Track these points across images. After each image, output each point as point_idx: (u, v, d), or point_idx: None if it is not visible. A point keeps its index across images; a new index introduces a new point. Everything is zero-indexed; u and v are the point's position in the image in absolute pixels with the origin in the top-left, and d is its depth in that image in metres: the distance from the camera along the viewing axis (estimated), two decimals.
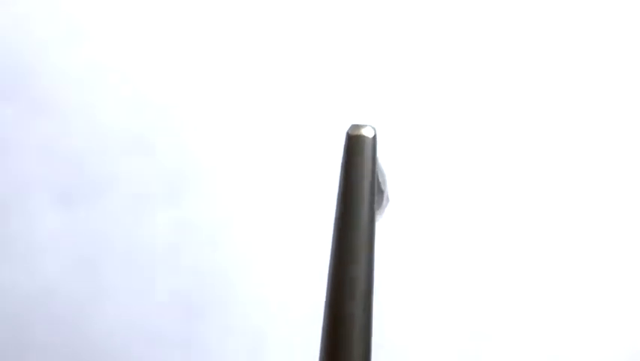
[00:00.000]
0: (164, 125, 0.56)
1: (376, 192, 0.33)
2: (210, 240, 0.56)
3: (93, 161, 0.55)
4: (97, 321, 0.54)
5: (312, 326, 0.54)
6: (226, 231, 0.56)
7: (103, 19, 0.56)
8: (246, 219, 0.56)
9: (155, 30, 0.56)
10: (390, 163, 0.47)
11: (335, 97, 0.57)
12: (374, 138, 0.29)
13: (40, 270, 0.55)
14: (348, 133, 0.29)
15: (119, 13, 0.55)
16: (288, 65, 0.57)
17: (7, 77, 0.55)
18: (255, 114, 0.56)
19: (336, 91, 0.57)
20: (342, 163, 0.30)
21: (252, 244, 0.55)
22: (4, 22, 0.55)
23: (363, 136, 0.29)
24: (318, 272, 0.54)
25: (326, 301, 0.30)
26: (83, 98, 0.56)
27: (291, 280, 0.56)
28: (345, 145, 0.30)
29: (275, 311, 0.56)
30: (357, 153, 0.29)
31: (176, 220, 0.56)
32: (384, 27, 0.57)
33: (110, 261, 0.55)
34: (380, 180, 0.34)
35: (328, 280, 0.30)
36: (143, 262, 0.56)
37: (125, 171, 0.56)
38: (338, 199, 0.29)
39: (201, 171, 0.57)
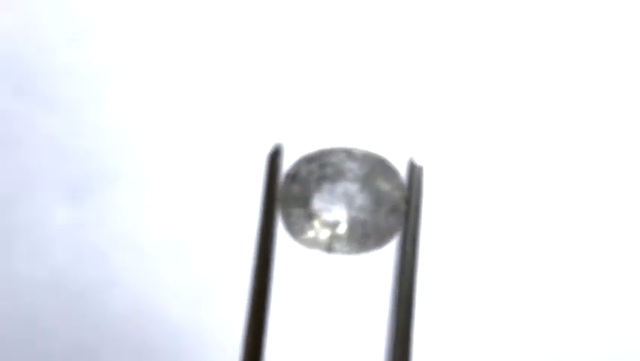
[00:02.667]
0: (169, 122, 0.58)
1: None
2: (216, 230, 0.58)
3: (101, 155, 0.57)
4: (106, 309, 0.56)
5: None
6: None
7: (111, 18, 0.58)
8: None
9: (161, 29, 0.59)
10: None
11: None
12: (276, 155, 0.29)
13: (50, 260, 0.56)
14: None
15: (128, 11, 0.58)
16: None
17: (17, 73, 0.57)
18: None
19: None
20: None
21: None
22: (14, 20, 0.57)
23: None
24: None
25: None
26: (92, 95, 0.58)
27: None
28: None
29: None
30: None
31: (181, 211, 0.58)
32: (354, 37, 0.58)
33: (119, 251, 0.57)
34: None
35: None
36: (151, 252, 0.57)
37: (132, 166, 0.58)
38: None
39: (202, 165, 0.59)
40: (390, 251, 0.33)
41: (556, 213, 0.61)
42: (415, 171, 0.33)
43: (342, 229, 0.31)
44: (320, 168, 0.31)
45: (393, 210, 0.32)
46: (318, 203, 0.31)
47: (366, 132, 0.60)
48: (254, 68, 0.60)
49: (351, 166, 0.32)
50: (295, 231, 0.31)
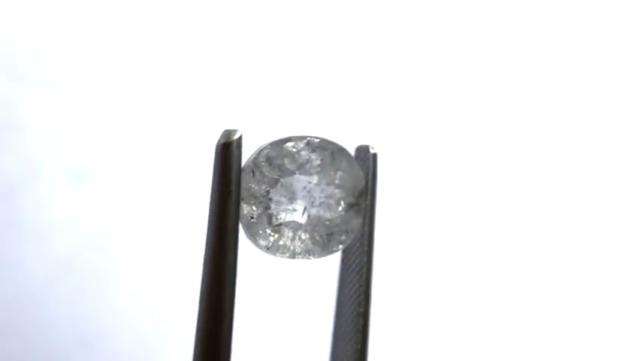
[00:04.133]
0: (173, 109, 0.59)
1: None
2: None
3: (105, 141, 0.57)
4: (110, 297, 0.57)
5: None
6: None
7: (110, 8, 0.59)
8: None
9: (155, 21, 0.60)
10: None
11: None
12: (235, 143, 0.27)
13: (55, 247, 0.56)
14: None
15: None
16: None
17: (19, 58, 0.56)
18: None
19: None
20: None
21: None
22: (16, 5, 0.57)
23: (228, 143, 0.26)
24: None
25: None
26: (94, 80, 0.58)
27: None
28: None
29: None
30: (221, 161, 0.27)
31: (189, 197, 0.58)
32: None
33: (123, 239, 0.57)
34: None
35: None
36: (155, 240, 0.57)
37: (137, 152, 0.58)
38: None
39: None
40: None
41: (518, 199, 0.61)
42: (370, 159, 0.29)
43: (305, 231, 0.28)
44: (277, 159, 0.27)
45: (354, 204, 0.28)
46: (276, 200, 0.27)
47: (313, 120, 0.59)
48: (208, 55, 0.59)
49: (310, 156, 0.28)
50: (257, 236, 0.27)
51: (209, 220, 0.26)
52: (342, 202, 0.28)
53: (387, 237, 0.56)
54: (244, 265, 0.30)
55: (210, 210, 0.26)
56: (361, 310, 0.29)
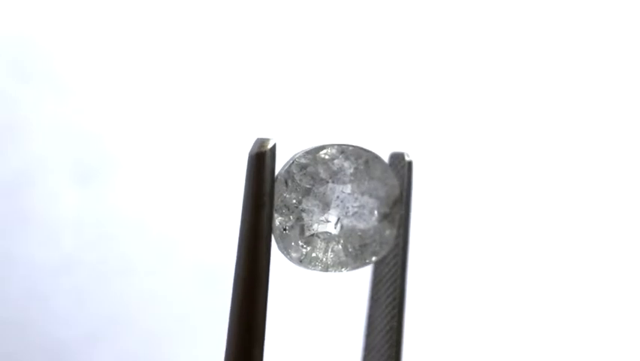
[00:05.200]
0: (177, 105, 0.59)
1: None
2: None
3: (111, 140, 0.57)
4: (115, 294, 0.57)
5: None
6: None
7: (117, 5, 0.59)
8: None
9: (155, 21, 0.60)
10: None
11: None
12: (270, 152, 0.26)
13: (60, 244, 0.57)
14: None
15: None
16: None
17: (24, 57, 0.56)
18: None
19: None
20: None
21: None
22: (20, 5, 0.56)
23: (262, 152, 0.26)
24: None
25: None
26: (100, 79, 0.58)
27: None
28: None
29: None
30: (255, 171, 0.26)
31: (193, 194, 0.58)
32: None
33: (128, 236, 0.57)
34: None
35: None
36: (161, 238, 0.57)
37: (142, 150, 0.58)
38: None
39: (217, 148, 0.60)
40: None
41: (549, 206, 0.60)
42: (405, 167, 0.28)
43: (338, 243, 0.27)
44: (311, 169, 0.26)
45: (389, 213, 0.27)
46: (309, 211, 0.26)
47: (350, 128, 0.58)
48: (240, 64, 0.59)
49: (343, 164, 0.27)
50: (290, 248, 0.26)
51: (241, 230, 0.25)
52: (375, 212, 0.27)
53: (421, 249, 0.56)
54: (274, 277, 0.29)
55: (243, 220, 0.25)
56: (395, 324, 0.28)
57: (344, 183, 0.27)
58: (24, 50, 0.57)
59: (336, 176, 0.27)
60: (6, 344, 0.55)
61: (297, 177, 0.26)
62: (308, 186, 0.26)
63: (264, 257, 0.25)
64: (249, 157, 0.25)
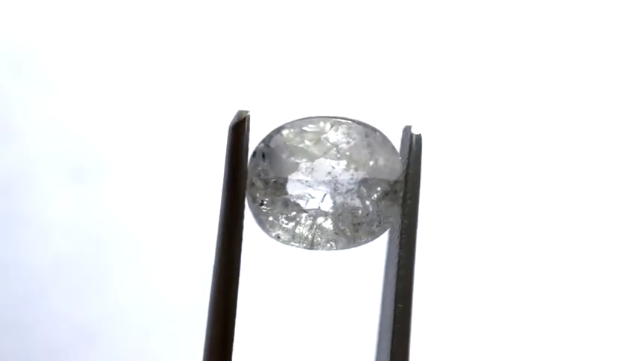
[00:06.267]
0: (173, 105, 0.58)
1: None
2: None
3: (105, 138, 0.58)
4: (110, 294, 0.57)
5: None
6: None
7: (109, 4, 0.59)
8: None
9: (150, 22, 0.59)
10: None
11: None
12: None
13: (52, 246, 0.57)
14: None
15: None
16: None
17: (18, 55, 0.57)
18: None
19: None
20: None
21: None
22: (15, 3, 0.57)
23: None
24: None
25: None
26: (94, 77, 0.58)
27: None
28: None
29: None
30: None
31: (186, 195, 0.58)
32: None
33: (123, 236, 0.58)
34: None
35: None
36: (156, 236, 0.58)
37: (137, 149, 0.58)
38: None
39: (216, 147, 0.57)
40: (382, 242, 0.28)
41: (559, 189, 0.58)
42: (413, 142, 0.27)
43: (326, 219, 0.25)
44: (296, 141, 0.25)
45: (389, 191, 0.26)
46: (294, 186, 0.25)
47: (350, 100, 0.57)
48: (220, 32, 0.58)
49: (335, 138, 0.25)
50: (267, 223, 0.25)
51: (220, 207, 0.24)
52: (376, 190, 0.26)
53: (432, 229, 0.53)
54: (284, 255, 0.28)
55: (222, 196, 0.24)
56: (400, 306, 0.27)
57: (337, 158, 0.25)
58: (17, 50, 0.57)
59: (328, 151, 0.25)
60: (0, 345, 0.55)
61: (280, 151, 0.25)
62: (295, 161, 0.25)
63: (238, 230, 0.24)
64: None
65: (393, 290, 0.27)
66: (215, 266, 0.24)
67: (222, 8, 0.58)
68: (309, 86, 0.57)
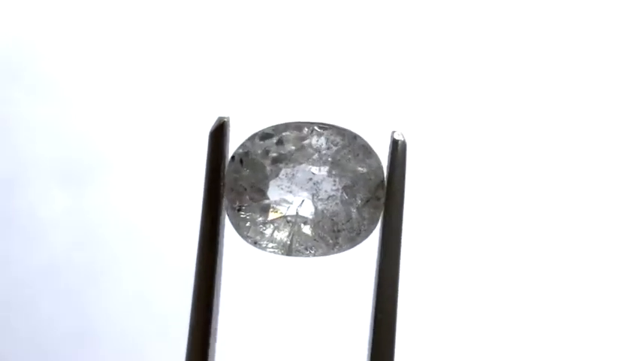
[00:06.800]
0: (168, 107, 0.59)
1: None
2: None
3: (98, 141, 0.58)
4: (102, 295, 0.57)
5: None
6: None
7: (104, 8, 0.59)
8: None
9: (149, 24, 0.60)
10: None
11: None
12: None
13: (47, 246, 0.57)
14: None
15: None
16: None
17: (13, 58, 0.58)
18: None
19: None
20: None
21: None
22: (11, 6, 0.58)
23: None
24: None
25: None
26: (88, 80, 0.59)
27: None
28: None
29: None
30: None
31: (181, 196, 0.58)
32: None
33: (115, 237, 0.58)
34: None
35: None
36: (147, 238, 0.58)
37: (129, 152, 0.58)
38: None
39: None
40: (363, 249, 0.27)
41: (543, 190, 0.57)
42: (398, 150, 0.26)
43: (305, 225, 0.25)
44: (277, 147, 0.25)
45: (371, 198, 0.25)
46: (274, 192, 0.25)
47: (331, 106, 0.57)
48: (201, 38, 0.58)
49: (317, 144, 0.25)
50: (244, 228, 0.25)
51: (200, 212, 0.24)
52: (358, 196, 0.25)
53: (416, 236, 0.53)
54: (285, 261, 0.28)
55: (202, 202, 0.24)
56: (379, 316, 0.26)
57: (318, 164, 0.25)
58: (14, 51, 0.57)
59: (310, 157, 0.25)
60: None
61: (257, 156, 0.25)
62: (274, 167, 0.25)
63: (215, 234, 0.24)
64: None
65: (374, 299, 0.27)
66: (195, 271, 0.24)
67: (209, 15, 0.58)
68: (291, 91, 0.57)
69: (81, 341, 0.56)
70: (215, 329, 0.25)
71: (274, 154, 0.25)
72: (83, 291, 0.57)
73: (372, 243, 0.28)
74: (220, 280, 0.24)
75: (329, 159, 0.25)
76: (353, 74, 0.57)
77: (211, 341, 0.24)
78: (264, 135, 0.25)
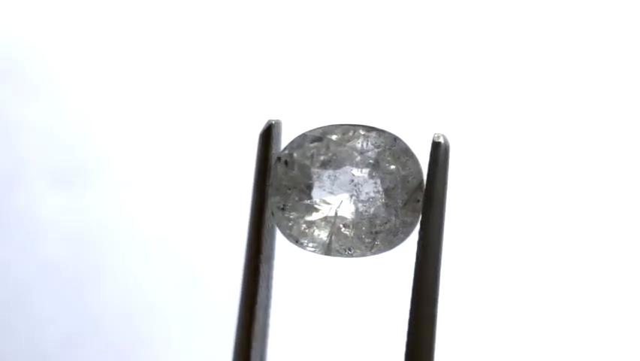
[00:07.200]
0: (161, 110, 0.59)
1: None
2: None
3: (91, 142, 0.58)
4: (97, 296, 0.57)
5: None
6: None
7: (100, 8, 0.59)
8: None
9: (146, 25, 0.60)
10: None
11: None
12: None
13: (41, 249, 0.58)
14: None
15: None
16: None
17: (3, 59, 0.58)
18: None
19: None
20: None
21: None
22: (3, 5, 0.58)
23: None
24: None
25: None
26: (80, 81, 0.59)
27: None
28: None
29: None
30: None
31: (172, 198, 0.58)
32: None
33: (109, 239, 0.58)
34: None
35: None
36: (142, 238, 0.58)
37: (123, 152, 0.58)
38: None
39: (199, 153, 0.60)
40: (403, 251, 0.28)
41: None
42: (439, 152, 0.27)
43: (345, 226, 0.26)
44: (323, 149, 0.25)
45: (410, 200, 0.26)
46: (317, 192, 0.25)
47: (374, 109, 0.57)
48: (247, 41, 0.58)
49: (361, 146, 0.25)
50: (287, 227, 0.25)
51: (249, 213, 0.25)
52: (396, 199, 0.26)
53: (456, 240, 0.53)
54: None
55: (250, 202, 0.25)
56: (412, 320, 0.26)
57: (359, 166, 0.25)
58: (4, 51, 0.57)
59: (352, 159, 0.25)
60: None
61: (303, 158, 0.25)
62: (317, 168, 0.25)
63: (263, 234, 0.24)
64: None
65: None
66: (243, 270, 0.25)
67: (246, 15, 0.58)
68: (335, 94, 0.57)
69: (77, 343, 0.56)
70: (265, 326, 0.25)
71: (321, 157, 0.25)
72: (82, 291, 0.57)
73: (410, 246, 0.28)
74: (271, 281, 0.25)
75: (370, 161, 0.25)
76: (393, 76, 0.57)
77: (254, 341, 0.25)
78: (310, 137, 0.25)
